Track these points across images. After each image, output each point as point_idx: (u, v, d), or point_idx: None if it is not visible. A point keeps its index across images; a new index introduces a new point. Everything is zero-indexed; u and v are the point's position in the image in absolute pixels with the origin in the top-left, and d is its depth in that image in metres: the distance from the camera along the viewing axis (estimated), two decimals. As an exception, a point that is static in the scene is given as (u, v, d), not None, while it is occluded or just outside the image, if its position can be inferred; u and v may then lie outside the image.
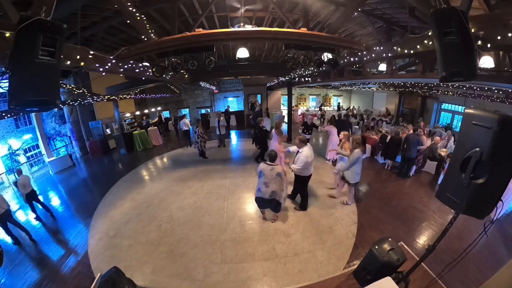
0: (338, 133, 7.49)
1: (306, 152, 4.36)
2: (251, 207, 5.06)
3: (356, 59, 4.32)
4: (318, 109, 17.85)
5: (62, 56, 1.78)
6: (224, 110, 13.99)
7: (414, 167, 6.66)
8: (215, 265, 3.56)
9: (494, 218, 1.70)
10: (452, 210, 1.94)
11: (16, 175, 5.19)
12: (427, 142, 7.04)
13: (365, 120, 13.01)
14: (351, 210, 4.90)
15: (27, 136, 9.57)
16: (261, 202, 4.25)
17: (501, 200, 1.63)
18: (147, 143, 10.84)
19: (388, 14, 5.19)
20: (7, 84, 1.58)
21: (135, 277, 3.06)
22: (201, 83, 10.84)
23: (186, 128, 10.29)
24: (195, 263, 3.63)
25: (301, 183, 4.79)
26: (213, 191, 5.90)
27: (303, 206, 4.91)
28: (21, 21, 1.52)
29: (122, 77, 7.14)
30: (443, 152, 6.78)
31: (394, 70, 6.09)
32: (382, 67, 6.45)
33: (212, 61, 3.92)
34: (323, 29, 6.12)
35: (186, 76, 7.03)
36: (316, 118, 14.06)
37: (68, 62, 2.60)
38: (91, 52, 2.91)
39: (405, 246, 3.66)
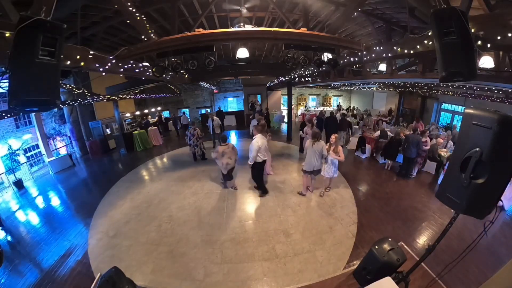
0: (327, 134, 7.48)
1: (257, 139, 5.00)
2: (251, 207, 5.07)
3: (356, 59, 4.32)
4: (305, 110, 17.47)
5: (62, 56, 1.78)
6: (216, 111, 13.81)
7: (416, 169, 6.66)
8: (215, 265, 3.57)
9: (498, 214, 1.69)
10: (452, 210, 1.93)
11: None
12: (429, 143, 7.02)
13: (364, 119, 12.94)
14: (351, 210, 4.90)
15: (27, 136, 9.55)
16: (229, 173, 5.43)
17: (501, 200, 1.64)
18: (147, 143, 10.84)
19: (388, 14, 5.19)
20: (7, 84, 1.58)
21: (135, 277, 3.05)
22: (201, 83, 10.87)
23: (186, 123, 12.15)
24: (195, 263, 3.63)
25: (257, 169, 5.24)
26: (213, 191, 5.90)
27: (263, 190, 5.47)
28: (21, 21, 1.51)
29: (122, 77, 7.15)
30: (443, 152, 6.78)
31: (394, 70, 6.09)
32: (382, 67, 6.45)
33: (212, 61, 3.92)
34: (323, 29, 6.12)
35: (186, 76, 7.03)
36: (315, 118, 14.01)
37: (68, 62, 2.60)
38: (91, 52, 2.92)
39: (405, 246, 3.66)
